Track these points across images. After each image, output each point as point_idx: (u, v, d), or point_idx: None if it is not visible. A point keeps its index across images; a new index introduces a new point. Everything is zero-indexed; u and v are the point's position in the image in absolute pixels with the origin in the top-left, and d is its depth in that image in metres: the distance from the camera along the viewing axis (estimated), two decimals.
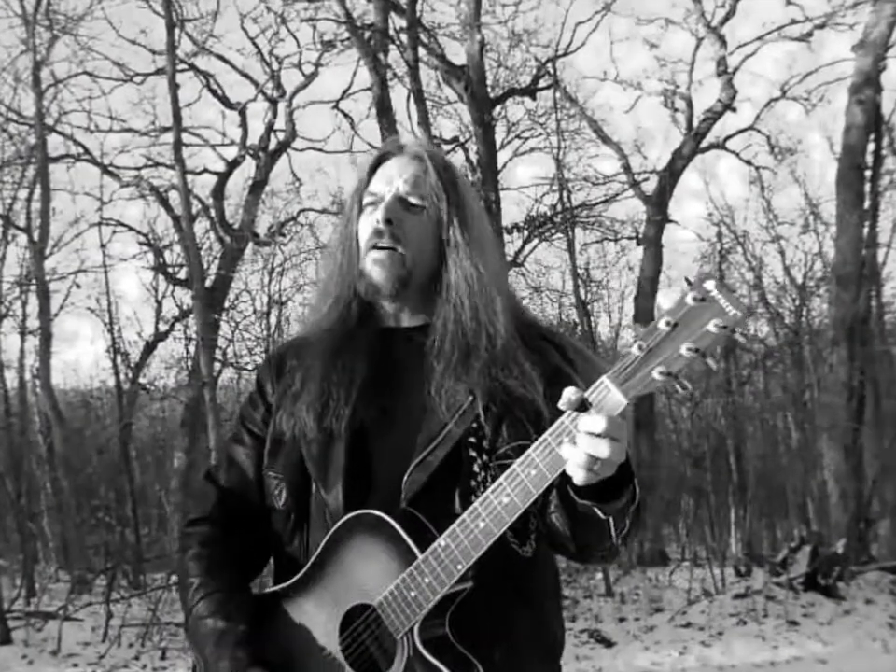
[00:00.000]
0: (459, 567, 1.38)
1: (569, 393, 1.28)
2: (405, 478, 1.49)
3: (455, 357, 1.54)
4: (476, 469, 1.48)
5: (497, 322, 1.55)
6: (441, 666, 1.40)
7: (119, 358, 14.84)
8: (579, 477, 1.29)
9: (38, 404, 15.24)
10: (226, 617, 1.52)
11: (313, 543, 1.55)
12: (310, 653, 1.51)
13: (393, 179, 1.61)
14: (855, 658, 6.93)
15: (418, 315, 1.62)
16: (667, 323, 1.23)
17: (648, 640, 7.69)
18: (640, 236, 15.39)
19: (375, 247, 1.58)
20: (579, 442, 1.26)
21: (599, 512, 1.36)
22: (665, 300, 1.25)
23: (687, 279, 1.24)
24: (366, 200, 1.63)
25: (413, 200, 1.60)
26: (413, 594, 1.41)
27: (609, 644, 7.61)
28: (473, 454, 1.49)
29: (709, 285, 1.22)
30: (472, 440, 1.50)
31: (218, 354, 14.91)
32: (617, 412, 1.27)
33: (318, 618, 1.51)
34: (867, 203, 11.65)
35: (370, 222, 1.60)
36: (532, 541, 1.51)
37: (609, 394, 1.27)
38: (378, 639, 1.45)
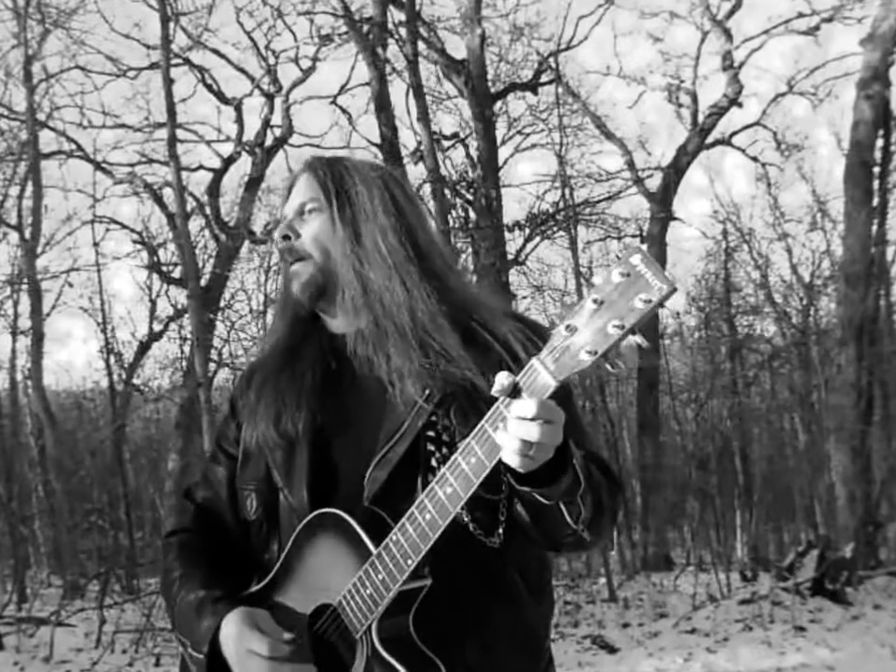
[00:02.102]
0: (409, 561, 1.39)
1: (501, 378, 1.29)
2: (366, 476, 1.51)
3: (375, 352, 1.57)
4: (434, 463, 1.49)
5: (399, 308, 1.57)
6: (398, 667, 1.41)
7: (112, 359, 14.85)
8: (515, 463, 1.29)
9: (30, 405, 15.24)
10: (204, 587, 1.59)
11: (284, 549, 1.59)
12: None
13: (292, 198, 1.71)
14: (863, 664, 6.93)
15: (355, 319, 1.65)
16: (594, 301, 1.22)
17: (652, 646, 7.69)
18: (644, 234, 15.39)
19: (290, 263, 1.66)
20: (510, 428, 1.27)
21: (541, 498, 1.37)
22: (596, 277, 1.23)
23: (617, 255, 1.24)
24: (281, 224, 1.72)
25: (307, 207, 1.67)
26: (368, 591, 1.42)
27: (612, 650, 7.61)
28: (432, 447, 1.51)
29: (635, 259, 1.20)
30: (431, 433, 1.52)
31: (214, 354, 14.91)
32: (546, 394, 1.26)
33: (286, 619, 1.53)
34: (876, 200, 11.66)
35: None
36: (501, 532, 1.51)
37: (539, 376, 1.27)
38: (341, 639, 1.48)
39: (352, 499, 1.50)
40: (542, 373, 1.27)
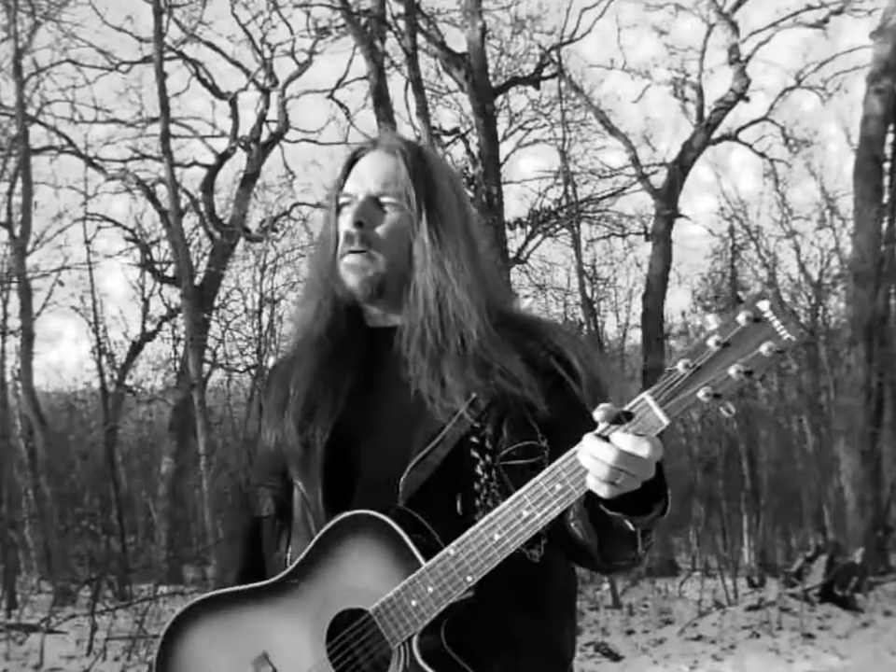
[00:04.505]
0: (469, 578, 1.39)
1: (607, 406, 1.29)
2: (403, 477, 1.50)
3: (426, 361, 1.55)
4: (479, 470, 1.49)
5: (468, 324, 1.55)
6: None
7: (104, 359, 14.83)
8: (603, 491, 1.30)
9: (20, 407, 15.23)
10: None
11: (294, 545, 1.59)
12: (290, 654, 1.52)
13: (364, 178, 1.62)
14: None
15: (399, 315, 1.63)
16: (717, 342, 1.24)
17: (657, 654, 7.69)
18: (649, 231, 15.39)
19: (349, 252, 1.60)
20: (608, 456, 1.27)
21: (629, 525, 1.37)
22: (714, 318, 1.26)
23: (738, 297, 1.25)
24: (341, 200, 1.64)
25: (385, 199, 1.60)
26: (413, 602, 1.41)
27: (616, 658, 7.61)
28: (476, 454, 1.51)
29: (763, 305, 1.23)
30: (475, 440, 1.51)
31: (208, 354, 14.93)
32: (656, 432, 1.28)
33: (302, 618, 1.51)
34: (886, 197, 11.66)
35: (343, 225, 1.62)
36: (541, 546, 1.51)
37: (650, 413, 1.28)
38: (370, 647, 1.46)
39: (382, 500, 1.49)
40: (654, 410, 1.27)
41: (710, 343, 1.24)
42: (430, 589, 1.40)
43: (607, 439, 1.29)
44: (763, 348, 1.22)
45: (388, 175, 1.61)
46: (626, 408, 1.29)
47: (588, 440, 1.30)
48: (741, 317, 1.23)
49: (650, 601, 9.80)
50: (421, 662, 1.41)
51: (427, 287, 1.57)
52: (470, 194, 12.09)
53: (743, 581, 10.58)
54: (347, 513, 1.48)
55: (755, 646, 7.74)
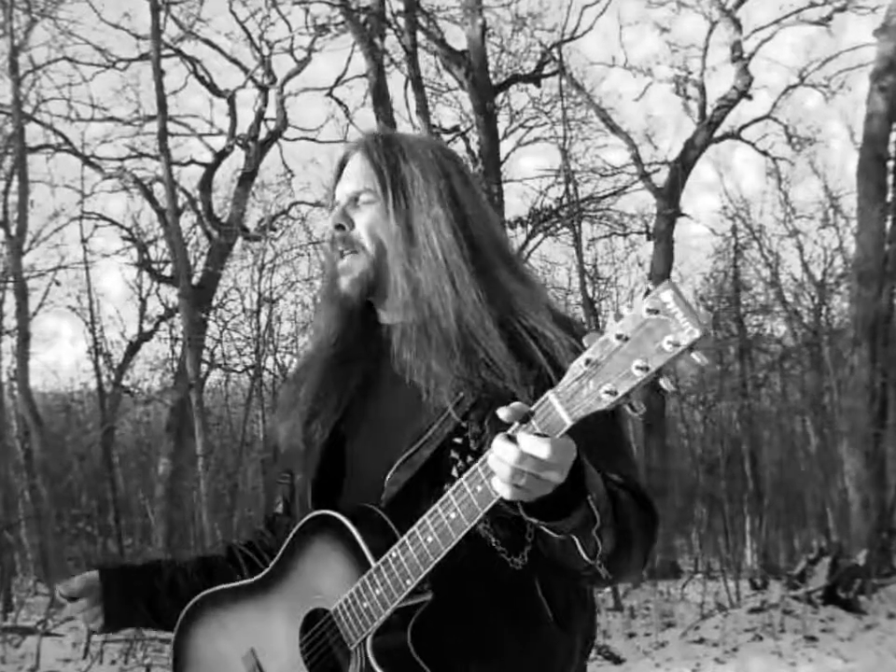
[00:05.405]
0: (408, 581, 1.38)
1: (516, 406, 1.25)
2: (388, 477, 1.51)
3: (412, 353, 1.54)
4: (455, 472, 1.47)
5: (445, 304, 1.53)
6: None
7: (101, 360, 14.83)
8: (506, 493, 1.25)
9: (16, 408, 15.23)
10: None
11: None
12: (271, 652, 1.58)
13: (344, 181, 1.65)
14: None
15: (402, 315, 1.64)
16: (618, 336, 1.16)
17: (659, 657, 7.69)
18: (651, 230, 15.39)
19: (339, 256, 1.63)
20: (510, 457, 1.22)
21: (549, 531, 1.33)
22: (624, 310, 1.18)
23: (647, 288, 1.17)
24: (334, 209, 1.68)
25: (360, 197, 1.62)
26: (365, 604, 1.42)
27: (617, 661, 7.61)
28: (456, 455, 1.49)
29: (666, 296, 1.14)
30: (458, 440, 1.49)
31: (206, 354, 14.92)
32: (560, 432, 1.22)
33: (281, 616, 1.56)
34: (890, 196, 11.65)
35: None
36: (525, 553, 1.49)
37: (553, 412, 1.22)
38: (336, 646, 1.49)
39: (368, 499, 1.50)
40: (557, 409, 1.22)
41: (612, 337, 1.16)
42: (378, 591, 1.40)
43: (514, 439, 1.23)
44: (664, 343, 1.13)
45: (359, 172, 1.63)
46: (532, 407, 1.24)
47: (495, 440, 1.25)
48: (643, 310, 1.14)
49: (651, 603, 9.79)
50: (375, 665, 1.42)
51: (400, 281, 1.57)
52: None
53: (745, 583, 10.57)
54: (317, 512, 1.51)
55: (758, 648, 7.74)
